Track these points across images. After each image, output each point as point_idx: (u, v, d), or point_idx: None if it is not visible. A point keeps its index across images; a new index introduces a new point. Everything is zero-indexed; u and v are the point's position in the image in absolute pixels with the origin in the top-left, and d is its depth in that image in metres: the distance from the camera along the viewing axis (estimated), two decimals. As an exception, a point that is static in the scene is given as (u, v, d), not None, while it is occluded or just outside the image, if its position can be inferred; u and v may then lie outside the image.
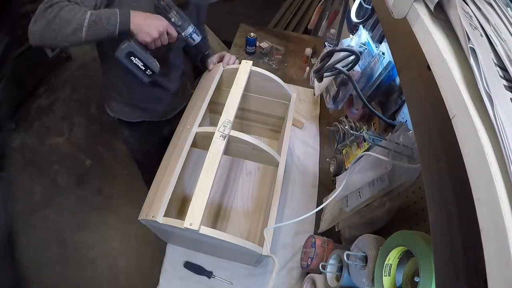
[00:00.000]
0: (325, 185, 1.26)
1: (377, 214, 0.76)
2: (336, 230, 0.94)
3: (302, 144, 1.42)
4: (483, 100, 0.29)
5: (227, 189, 1.24)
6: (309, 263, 0.91)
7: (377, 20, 1.04)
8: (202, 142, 0.99)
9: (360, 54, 0.92)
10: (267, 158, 1.00)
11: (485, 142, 0.28)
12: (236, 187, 1.25)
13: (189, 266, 1.01)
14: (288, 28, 2.57)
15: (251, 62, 1.11)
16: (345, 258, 0.71)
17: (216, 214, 1.16)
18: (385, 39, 0.98)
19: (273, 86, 1.17)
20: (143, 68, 0.92)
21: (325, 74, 0.99)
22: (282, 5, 2.65)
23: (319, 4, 1.78)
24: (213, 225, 1.14)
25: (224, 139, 0.87)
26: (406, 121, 0.86)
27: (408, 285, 0.57)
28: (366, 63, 0.99)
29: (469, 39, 0.32)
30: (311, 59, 1.82)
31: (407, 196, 0.75)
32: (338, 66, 0.93)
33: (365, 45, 1.01)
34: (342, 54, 0.93)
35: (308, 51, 1.80)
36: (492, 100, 0.28)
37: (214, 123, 1.32)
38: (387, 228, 0.79)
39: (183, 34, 0.95)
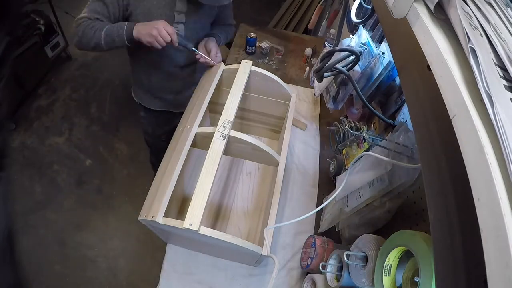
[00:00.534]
0: (325, 185, 1.26)
1: (377, 214, 0.76)
2: (336, 230, 0.94)
3: (302, 144, 1.42)
4: (483, 100, 0.29)
5: (227, 189, 1.24)
6: (309, 263, 0.91)
7: (377, 20, 1.04)
8: (202, 142, 0.99)
9: (360, 54, 0.92)
10: (267, 158, 1.00)
11: (485, 142, 0.28)
12: (236, 187, 1.25)
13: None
14: (288, 28, 2.57)
15: (251, 62, 1.11)
16: (345, 258, 0.71)
17: (216, 214, 1.16)
18: (385, 39, 0.98)
19: (273, 86, 1.17)
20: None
21: (325, 74, 0.99)
22: (282, 5, 2.65)
23: (319, 4, 1.78)
24: (213, 225, 1.13)
25: (224, 139, 0.87)
26: (406, 121, 0.86)
27: (408, 285, 0.57)
28: (366, 63, 0.99)
29: (469, 39, 0.32)
30: (311, 59, 1.82)
31: (407, 196, 0.75)
32: (338, 66, 0.92)
33: (365, 45, 1.01)
34: (342, 54, 0.92)
35: (308, 51, 1.80)
36: (492, 100, 0.28)
37: (214, 123, 1.32)
38: (387, 228, 0.79)
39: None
